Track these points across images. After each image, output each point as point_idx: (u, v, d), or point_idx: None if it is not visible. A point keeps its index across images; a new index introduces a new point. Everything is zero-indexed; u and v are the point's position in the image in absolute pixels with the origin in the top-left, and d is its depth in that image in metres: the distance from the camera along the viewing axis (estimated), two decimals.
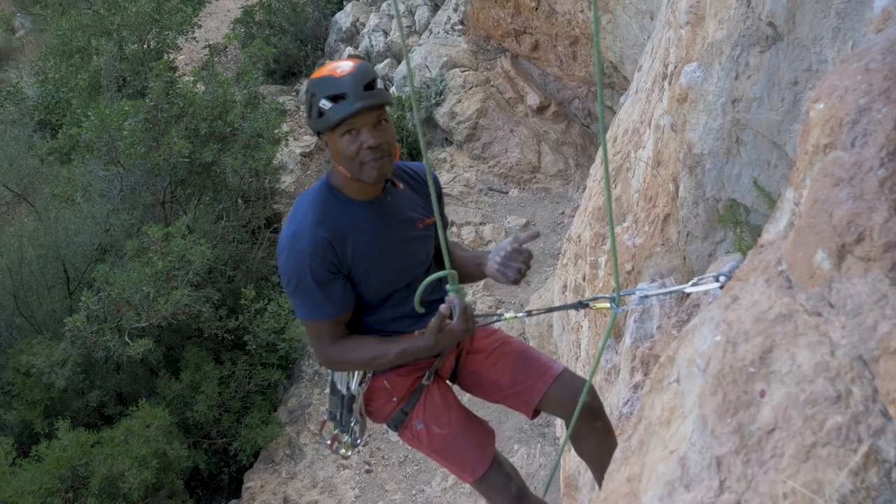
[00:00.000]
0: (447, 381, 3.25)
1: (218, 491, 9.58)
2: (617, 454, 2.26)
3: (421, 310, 2.80)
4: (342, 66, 2.62)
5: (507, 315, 3.22)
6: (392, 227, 2.84)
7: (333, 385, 3.17)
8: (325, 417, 3.29)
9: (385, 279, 2.85)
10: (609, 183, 2.11)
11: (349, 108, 2.56)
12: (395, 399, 3.10)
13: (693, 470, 1.77)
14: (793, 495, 1.55)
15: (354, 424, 3.19)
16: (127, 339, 8.63)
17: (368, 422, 3.26)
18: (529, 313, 3.39)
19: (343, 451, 3.26)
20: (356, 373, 3.05)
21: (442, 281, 2.77)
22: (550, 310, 3.65)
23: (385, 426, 3.23)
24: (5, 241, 10.31)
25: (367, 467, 8.73)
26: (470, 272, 2.97)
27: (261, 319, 9.74)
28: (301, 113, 16.18)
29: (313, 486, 8.72)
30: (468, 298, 3.06)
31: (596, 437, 3.09)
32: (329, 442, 3.27)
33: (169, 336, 9.69)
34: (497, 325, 3.41)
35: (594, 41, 1.81)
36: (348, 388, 3.09)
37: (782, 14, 2.97)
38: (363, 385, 3.07)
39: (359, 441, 3.26)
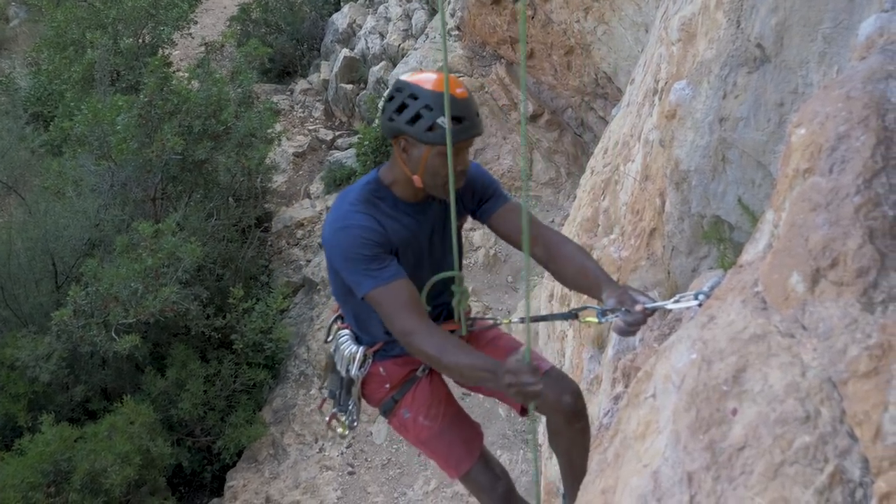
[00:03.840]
0: (443, 377, 3.30)
1: (200, 489, 9.59)
2: (593, 466, 2.30)
3: (427, 308, 2.88)
4: (456, 85, 2.66)
5: (503, 321, 3.30)
6: (430, 231, 2.93)
7: (333, 365, 3.26)
8: (325, 395, 3.36)
9: (410, 273, 2.87)
10: (526, 167, 2.19)
11: (466, 133, 2.65)
12: (387, 386, 3.17)
13: (665, 484, 1.80)
14: None
15: (352, 406, 3.25)
16: (114, 335, 8.63)
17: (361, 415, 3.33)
18: (522, 320, 3.44)
19: (340, 430, 3.31)
20: (357, 357, 3.12)
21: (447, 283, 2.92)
22: (544, 318, 3.71)
23: (369, 430, 3.29)
24: None
25: (349, 469, 8.75)
26: (581, 285, 2.93)
27: (248, 319, 9.76)
28: (294, 113, 16.17)
29: (296, 486, 8.73)
30: (470, 301, 3.11)
31: (572, 437, 3.14)
32: (327, 419, 3.33)
33: (156, 333, 9.69)
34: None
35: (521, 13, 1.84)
36: (347, 371, 3.16)
37: (770, 36, 3.02)
38: (363, 370, 3.14)
39: (355, 423, 3.30)
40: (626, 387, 3.69)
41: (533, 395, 2.37)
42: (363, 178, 2.93)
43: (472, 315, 3.34)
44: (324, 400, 3.47)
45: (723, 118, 3.35)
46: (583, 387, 4.75)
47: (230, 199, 11.74)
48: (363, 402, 3.31)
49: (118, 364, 9.48)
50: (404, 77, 2.75)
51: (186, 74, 11.99)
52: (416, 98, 2.65)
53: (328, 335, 3.31)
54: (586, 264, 2.92)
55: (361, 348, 3.13)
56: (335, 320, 3.30)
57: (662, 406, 1.95)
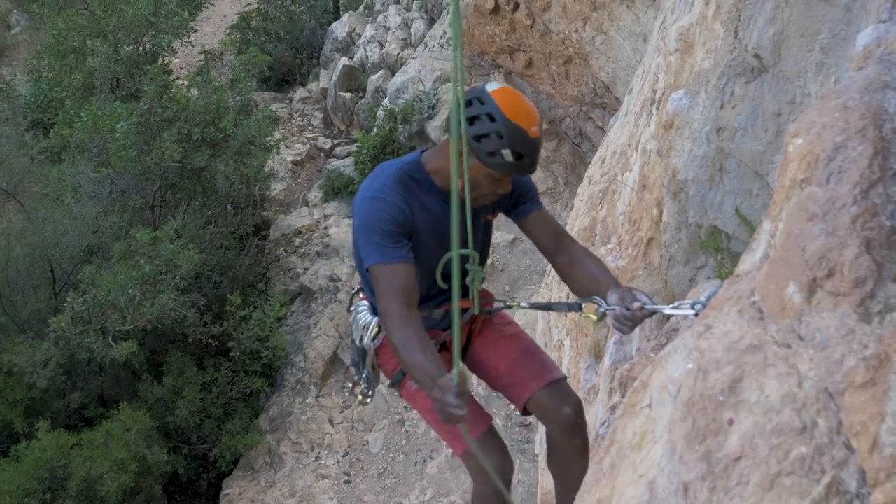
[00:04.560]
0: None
1: (196, 497, 9.56)
2: (589, 476, 2.29)
3: (443, 285, 3.00)
4: (535, 123, 2.74)
5: (511, 304, 3.42)
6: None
7: (352, 333, 3.35)
8: (349, 363, 3.43)
9: (433, 261, 2.96)
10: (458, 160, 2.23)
11: (523, 170, 2.77)
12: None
13: (661, 495, 1.79)
14: None
15: (365, 376, 3.33)
16: (111, 342, 8.62)
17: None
18: (532, 306, 3.53)
19: (360, 398, 3.39)
20: (371, 327, 3.20)
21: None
22: (548, 307, 3.79)
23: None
24: None
25: (346, 478, 8.73)
26: (588, 288, 2.98)
27: (245, 327, 9.75)
28: (293, 121, 16.18)
29: (292, 495, 8.71)
30: (484, 284, 3.18)
31: (569, 454, 3.14)
32: (350, 385, 3.42)
33: (153, 340, 9.69)
34: (514, 318, 3.56)
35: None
36: (361, 341, 3.25)
37: (768, 46, 3.03)
38: (376, 340, 3.21)
39: (370, 393, 3.37)
40: (623, 397, 3.69)
41: (453, 418, 2.35)
42: (406, 157, 3.01)
43: (495, 299, 3.38)
44: (348, 368, 3.56)
45: (720, 128, 3.36)
46: (580, 396, 4.75)
47: (228, 206, 11.74)
48: (380, 374, 3.39)
49: (115, 371, 9.46)
50: (490, 88, 2.80)
51: (186, 82, 12.01)
52: (493, 120, 2.70)
53: (350, 304, 3.40)
54: (599, 275, 2.98)
55: (375, 319, 3.20)
56: (357, 292, 3.39)
57: (658, 416, 1.95)
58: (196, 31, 16.10)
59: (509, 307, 3.40)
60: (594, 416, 4.25)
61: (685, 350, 1.94)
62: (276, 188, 13.62)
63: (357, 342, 3.28)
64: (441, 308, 3.17)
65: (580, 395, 4.73)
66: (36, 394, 8.76)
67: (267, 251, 12.63)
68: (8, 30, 21.28)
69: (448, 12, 14.22)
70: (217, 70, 13.45)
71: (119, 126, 10.24)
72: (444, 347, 3.25)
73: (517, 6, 11.06)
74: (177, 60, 16.80)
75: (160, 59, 13.93)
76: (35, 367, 8.55)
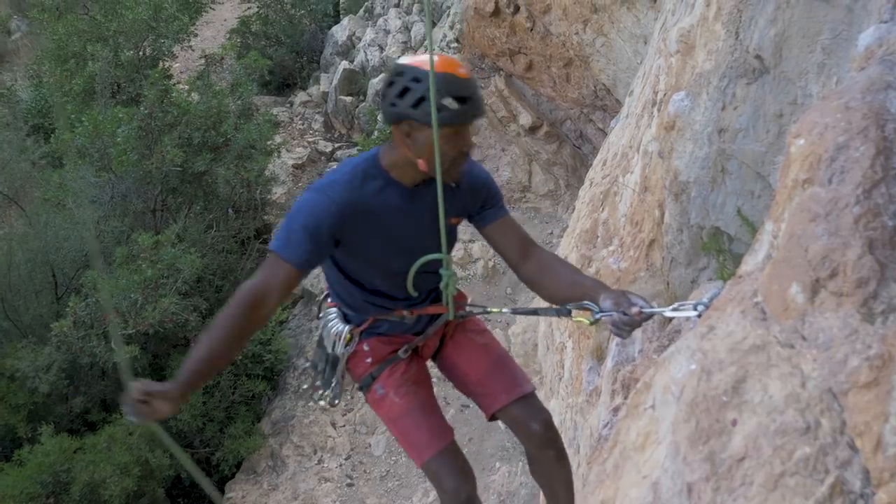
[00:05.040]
0: (427, 362, 3.33)
1: (199, 500, 9.55)
2: (592, 477, 2.29)
3: (414, 293, 2.95)
4: (459, 65, 2.66)
5: (493, 309, 3.30)
6: (418, 216, 2.87)
7: (321, 340, 3.26)
8: (308, 367, 3.38)
9: (392, 261, 2.91)
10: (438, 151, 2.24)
11: (472, 112, 2.65)
12: (369, 360, 3.17)
13: (665, 495, 1.80)
14: None
15: (335, 383, 3.27)
16: (113, 346, 8.61)
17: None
18: (514, 311, 3.43)
19: (322, 402, 3.33)
20: (343, 335, 3.13)
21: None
22: (534, 312, 3.71)
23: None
24: None
25: (348, 481, 8.73)
26: (570, 294, 2.89)
27: None
28: (294, 125, 16.20)
29: (294, 498, 8.71)
30: (455, 287, 3.13)
31: (547, 465, 3.17)
32: (313, 388, 3.35)
33: (155, 344, 9.69)
34: (489, 325, 3.49)
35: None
36: (334, 349, 3.18)
37: (769, 47, 3.03)
38: (349, 347, 3.15)
39: (337, 400, 3.32)
40: (626, 398, 3.69)
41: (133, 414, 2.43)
42: (365, 153, 2.91)
43: (469, 302, 3.32)
44: (304, 371, 3.51)
45: (722, 129, 3.36)
46: (582, 398, 4.75)
47: (230, 210, 11.75)
48: (349, 381, 3.31)
49: (117, 375, 9.44)
50: (403, 60, 2.71)
51: (186, 87, 12.02)
52: (419, 81, 2.60)
53: (319, 310, 3.32)
54: (577, 279, 2.92)
55: (348, 327, 3.14)
56: (325, 297, 3.31)
57: (662, 417, 1.95)
58: (196, 35, 16.11)
59: (488, 312, 3.33)
60: (597, 417, 4.25)
61: (688, 351, 1.95)
62: (277, 192, 13.63)
63: (329, 349, 3.21)
64: (413, 312, 3.09)
65: (582, 397, 4.73)
66: (38, 398, 8.77)
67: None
68: (8, 35, 21.29)
69: (448, 15, 14.24)
70: (217, 74, 13.45)
71: (120, 130, 10.25)
72: (416, 352, 3.22)
73: (517, 9, 11.08)
74: (177, 65, 16.82)
75: (161, 64, 13.91)
76: (37, 372, 8.56)
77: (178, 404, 2.52)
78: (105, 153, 10.43)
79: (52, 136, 12.67)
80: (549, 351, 6.52)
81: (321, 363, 3.27)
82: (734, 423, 1.72)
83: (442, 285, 3.00)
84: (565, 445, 3.24)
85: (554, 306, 2.99)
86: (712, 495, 1.68)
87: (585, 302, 2.78)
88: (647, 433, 1.99)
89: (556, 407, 5.79)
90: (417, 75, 2.61)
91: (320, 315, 3.31)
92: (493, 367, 3.21)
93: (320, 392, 3.31)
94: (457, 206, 2.95)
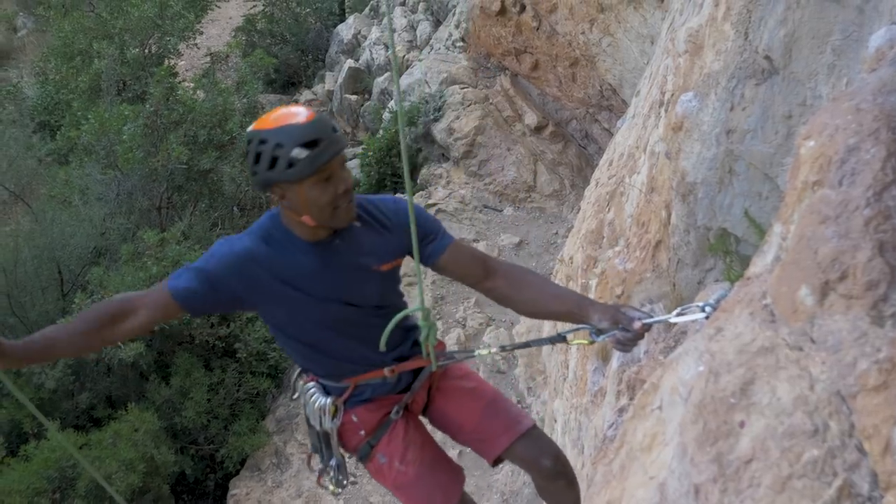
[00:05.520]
0: (419, 417, 3.19)
1: (203, 497, 9.57)
2: (598, 478, 2.29)
3: (384, 348, 2.78)
4: (298, 112, 2.50)
5: (481, 352, 3.17)
6: (337, 271, 2.71)
7: (308, 419, 3.12)
8: (310, 450, 3.25)
9: (325, 318, 2.75)
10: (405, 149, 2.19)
11: (328, 151, 2.45)
12: (362, 433, 3.03)
13: (672, 496, 1.80)
14: None
15: (335, 464, 3.14)
16: (119, 343, 8.64)
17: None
18: (503, 349, 3.32)
19: (331, 487, 3.20)
20: (327, 409, 2.98)
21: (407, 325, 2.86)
22: (526, 345, 3.60)
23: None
24: (1, 240, 10.33)
25: (352, 479, 8.74)
26: (558, 311, 2.78)
27: (252, 328, 9.77)
28: None
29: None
30: (439, 333, 2.96)
31: (557, 492, 3.10)
32: (317, 477, 3.23)
33: (160, 341, 9.71)
34: (473, 366, 3.33)
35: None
36: (321, 425, 3.04)
37: (779, 48, 3.02)
38: (335, 420, 3.01)
39: (344, 482, 3.19)
40: (631, 399, 3.68)
41: None
42: (267, 213, 2.75)
43: (446, 348, 3.15)
44: (309, 455, 3.37)
45: (730, 130, 3.35)
46: (587, 399, 4.74)
47: (235, 208, 11.76)
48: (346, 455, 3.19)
49: (123, 372, 9.49)
50: (250, 127, 2.56)
51: (192, 84, 12.04)
52: (264, 142, 2.46)
53: (294, 392, 3.18)
54: (559, 291, 2.82)
55: (329, 399, 2.98)
56: (298, 374, 3.18)
57: (669, 418, 1.95)
58: (202, 33, 16.13)
59: (474, 356, 3.19)
60: (601, 418, 4.24)
61: (696, 352, 1.94)
62: None
63: (318, 426, 3.05)
64: (394, 370, 2.92)
65: (587, 398, 4.73)
66: (44, 394, 8.79)
67: None
68: (14, 32, 21.35)
69: (454, 14, 14.24)
70: (223, 72, 13.47)
71: (126, 128, 10.27)
72: (408, 408, 3.09)
73: (523, 8, 11.08)
74: (182, 63, 16.84)
75: (166, 62, 13.95)
76: (43, 368, 8.60)
77: (7, 363, 2.47)
78: (111, 150, 10.45)
79: (59, 132, 12.68)
80: (554, 351, 6.52)
81: (316, 442, 3.13)
82: (742, 424, 1.72)
83: (422, 337, 2.83)
84: (570, 446, 3.22)
85: (547, 335, 2.86)
86: (719, 497, 1.68)
87: (581, 326, 2.67)
88: (654, 434, 1.99)
89: (560, 407, 5.79)
90: (260, 136, 2.48)
91: (296, 395, 3.16)
92: (487, 410, 3.07)
93: (326, 476, 3.18)
94: (385, 250, 2.79)
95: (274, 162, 2.45)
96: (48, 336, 2.57)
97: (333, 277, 2.69)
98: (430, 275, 10.36)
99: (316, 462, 3.22)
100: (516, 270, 2.86)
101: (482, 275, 2.83)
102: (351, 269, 2.70)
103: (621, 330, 2.51)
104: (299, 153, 2.42)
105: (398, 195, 2.89)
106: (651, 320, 2.52)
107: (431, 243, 2.80)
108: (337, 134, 2.49)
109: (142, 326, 2.64)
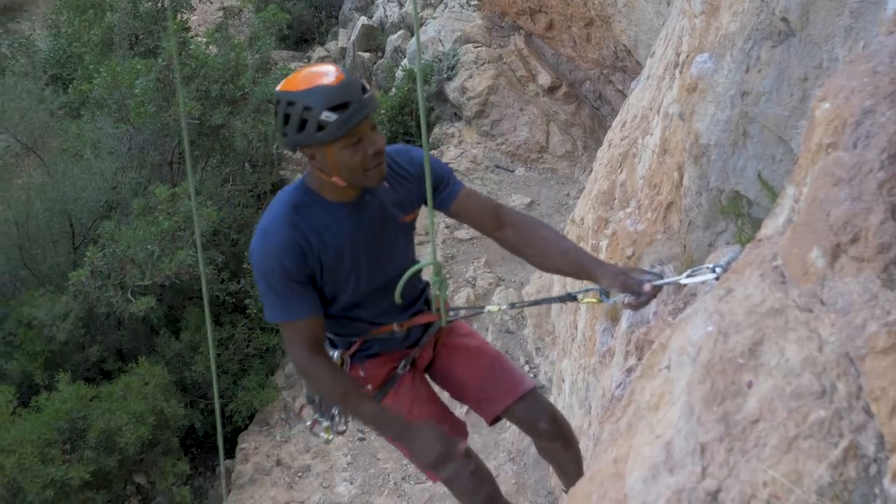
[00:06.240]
0: (424, 373, 3.24)
1: (212, 450, 9.67)
2: (605, 436, 2.31)
3: (400, 301, 2.82)
4: (327, 72, 2.47)
5: (491, 307, 3.22)
6: (370, 228, 2.73)
7: None
8: (304, 401, 3.26)
9: (362, 280, 2.77)
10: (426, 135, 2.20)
11: (358, 115, 2.43)
12: (369, 387, 3.05)
13: (678, 455, 1.81)
14: (773, 484, 1.59)
15: (336, 412, 3.17)
16: (129, 297, 8.71)
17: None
18: (513, 306, 3.35)
19: (325, 435, 3.24)
20: (335, 360, 2.99)
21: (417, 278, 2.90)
22: (535, 303, 3.63)
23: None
24: (13, 193, 10.37)
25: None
26: (566, 268, 2.82)
27: None
28: None
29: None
30: (448, 291, 3.00)
31: (555, 452, 3.20)
32: (310, 424, 3.27)
33: (171, 296, 9.77)
34: (482, 326, 3.37)
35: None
36: None
37: (796, 10, 2.99)
38: (343, 369, 3.02)
39: (342, 428, 3.24)
40: (640, 359, 3.70)
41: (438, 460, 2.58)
42: (293, 184, 2.74)
43: (452, 305, 3.17)
44: (303, 406, 3.38)
45: (745, 92, 3.33)
46: (595, 359, 4.77)
47: (246, 164, 11.75)
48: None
49: (133, 325, 9.56)
50: (278, 87, 2.55)
51: (205, 39, 11.98)
52: (292, 104, 2.45)
53: None
54: (567, 246, 2.82)
55: (337, 352, 3.00)
56: None
57: (677, 378, 1.96)
58: None
59: (484, 312, 3.24)
60: (609, 378, 4.27)
61: (706, 313, 1.95)
62: None
63: None
64: (403, 325, 2.97)
65: (595, 358, 4.75)
66: (55, 346, 8.87)
67: None
68: None
69: None
70: (236, 27, 13.39)
71: (138, 82, 10.25)
72: (414, 364, 3.13)
73: None
74: (195, 17, 16.73)
75: (179, 16, 13.87)
76: (55, 320, 8.67)
77: None
78: (123, 104, 10.44)
79: (71, 86, 12.66)
80: (563, 311, 6.54)
81: (315, 394, 3.16)
82: (750, 385, 1.73)
83: (433, 291, 2.89)
84: (578, 405, 3.26)
85: (557, 295, 2.89)
86: (725, 456, 1.70)
87: (590, 288, 2.73)
88: (662, 393, 2.00)
89: (568, 367, 5.83)
90: (289, 98, 2.47)
91: None
92: (490, 369, 3.13)
93: (320, 425, 3.21)
94: (408, 200, 2.82)
95: (303, 125, 2.44)
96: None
97: (371, 234, 2.72)
98: (440, 234, 10.36)
99: (309, 412, 3.25)
100: (528, 222, 2.88)
101: (495, 223, 2.86)
102: (382, 224, 2.74)
103: (630, 295, 2.54)
104: (328, 116, 2.40)
105: (408, 145, 2.88)
106: (661, 282, 2.54)
107: (445, 189, 2.83)
108: (366, 95, 2.47)
109: (326, 353, 2.79)
